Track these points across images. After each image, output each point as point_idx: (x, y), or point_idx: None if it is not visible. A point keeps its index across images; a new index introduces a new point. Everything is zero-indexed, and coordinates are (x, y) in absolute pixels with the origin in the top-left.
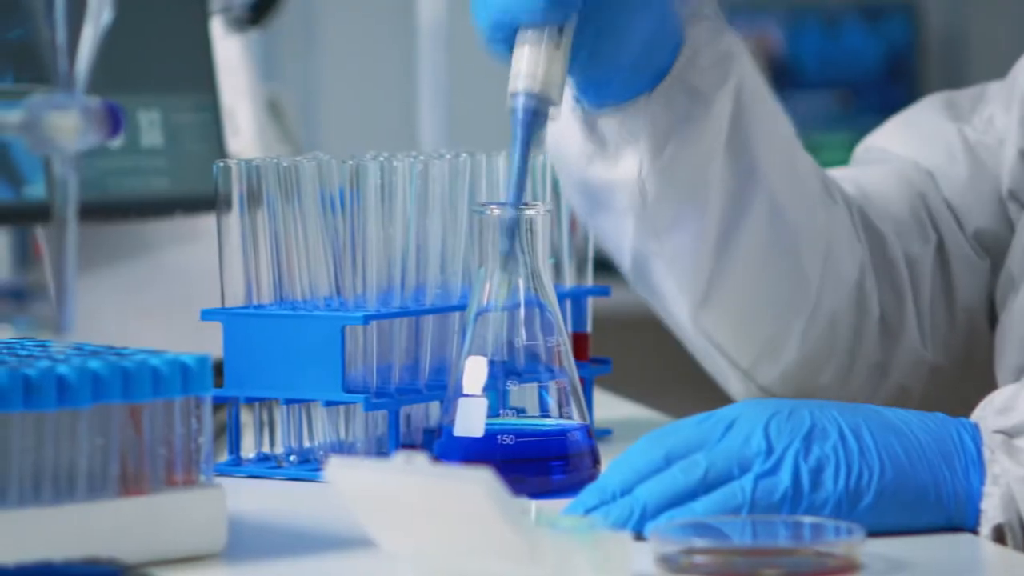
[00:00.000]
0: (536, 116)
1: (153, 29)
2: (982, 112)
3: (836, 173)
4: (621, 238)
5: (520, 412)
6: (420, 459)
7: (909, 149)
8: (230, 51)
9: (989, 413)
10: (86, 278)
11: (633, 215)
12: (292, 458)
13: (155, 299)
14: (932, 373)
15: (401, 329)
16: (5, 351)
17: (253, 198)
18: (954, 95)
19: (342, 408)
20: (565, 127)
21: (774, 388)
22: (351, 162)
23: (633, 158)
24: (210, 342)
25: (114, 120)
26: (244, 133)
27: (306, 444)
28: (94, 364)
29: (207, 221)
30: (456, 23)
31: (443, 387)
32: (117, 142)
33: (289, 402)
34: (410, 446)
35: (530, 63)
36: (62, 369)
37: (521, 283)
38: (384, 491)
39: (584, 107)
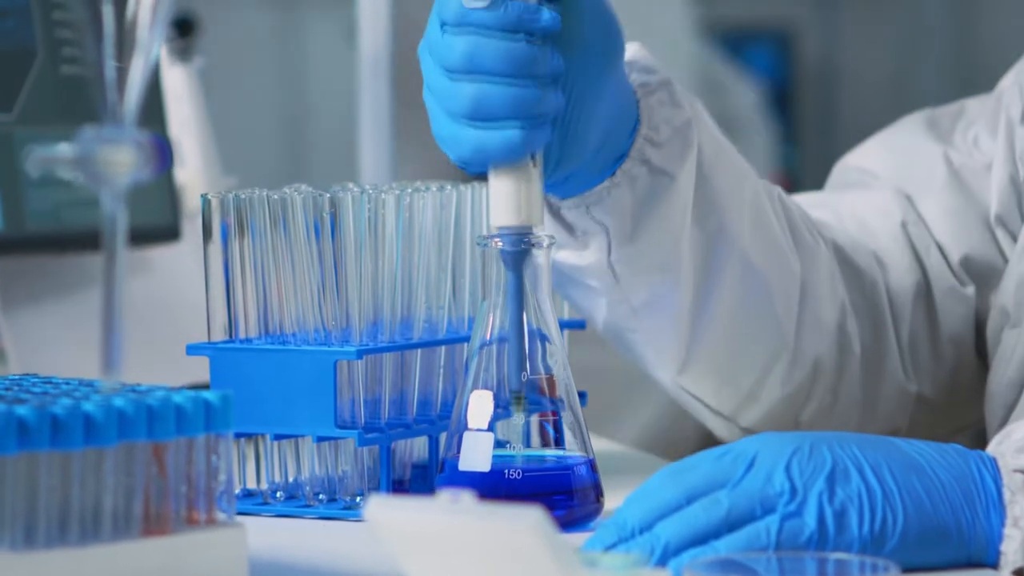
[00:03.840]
0: (524, 248)
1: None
2: (965, 133)
3: (813, 198)
4: (594, 313)
5: (524, 446)
6: (466, 497)
7: (891, 172)
8: (175, 81)
9: (1008, 450)
10: (34, 310)
11: (605, 296)
12: (279, 494)
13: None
14: (918, 403)
15: (389, 363)
16: (15, 388)
17: (239, 230)
18: (935, 113)
19: (330, 443)
20: None
21: (757, 428)
22: (340, 194)
23: (601, 244)
24: (163, 374)
25: (162, 153)
26: (190, 164)
27: (291, 479)
28: (119, 402)
29: (157, 253)
30: (399, 54)
31: (430, 421)
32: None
33: (278, 437)
34: (399, 481)
35: (510, 197)
36: (88, 407)
37: (524, 316)
38: (428, 530)
39: (548, 198)
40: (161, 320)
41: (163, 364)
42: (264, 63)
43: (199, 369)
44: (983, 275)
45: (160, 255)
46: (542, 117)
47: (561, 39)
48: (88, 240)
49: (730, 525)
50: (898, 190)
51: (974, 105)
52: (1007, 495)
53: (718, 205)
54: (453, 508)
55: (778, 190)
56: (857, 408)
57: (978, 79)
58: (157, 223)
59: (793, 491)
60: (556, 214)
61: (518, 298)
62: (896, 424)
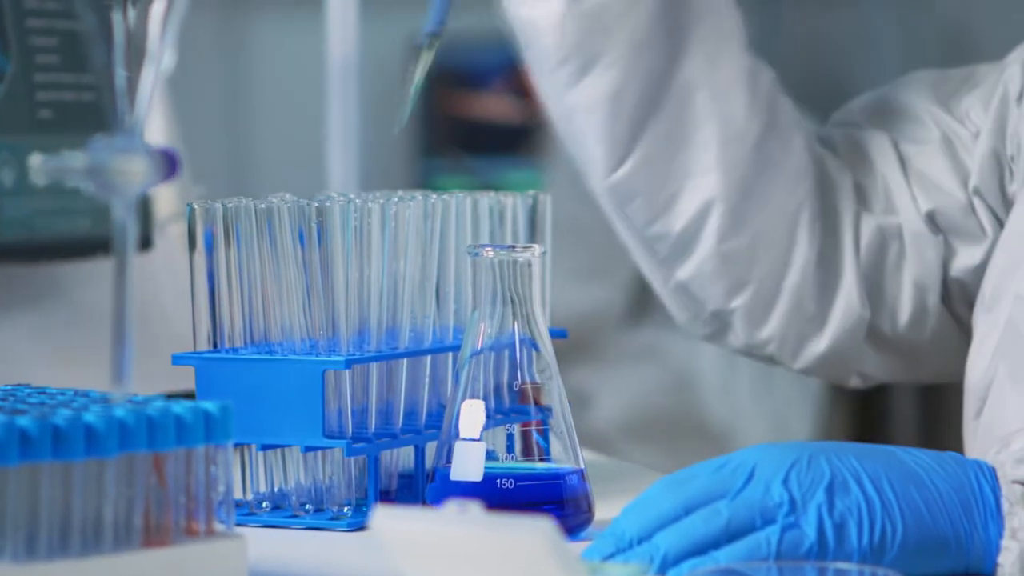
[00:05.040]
0: None
1: (73, 68)
2: (963, 100)
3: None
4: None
5: (512, 455)
6: (474, 508)
7: (883, 121)
8: None
9: (1007, 461)
10: (6, 319)
11: (554, 56)
12: (264, 504)
13: (72, 341)
14: (880, 342)
15: (376, 373)
16: (11, 399)
17: (226, 240)
18: (943, 74)
19: (316, 453)
20: None
21: (691, 286)
22: (327, 203)
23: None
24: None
25: (171, 162)
26: None
27: (276, 489)
28: (119, 412)
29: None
30: (367, 61)
31: (416, 430)
32: (43, 182)
33: (265, 447)
34: (385, 491)
35: None
36: (89, 418)
37: (516, 325)
38: (435, 540)
39: None
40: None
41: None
42: (209, 67)
43: (171, 378)
44: (952, 230)
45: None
46: None
47: None
48: (61, 249)
49: (730, 536)
50: (887, 136)
51: (983, 71)
52: (1005, 506)
53: (686, 19)
54: (461, 518)
55: (772, 75)
56: (809, 328)
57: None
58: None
59: (792, 502)
60: None
61: None
62: (847, 349)
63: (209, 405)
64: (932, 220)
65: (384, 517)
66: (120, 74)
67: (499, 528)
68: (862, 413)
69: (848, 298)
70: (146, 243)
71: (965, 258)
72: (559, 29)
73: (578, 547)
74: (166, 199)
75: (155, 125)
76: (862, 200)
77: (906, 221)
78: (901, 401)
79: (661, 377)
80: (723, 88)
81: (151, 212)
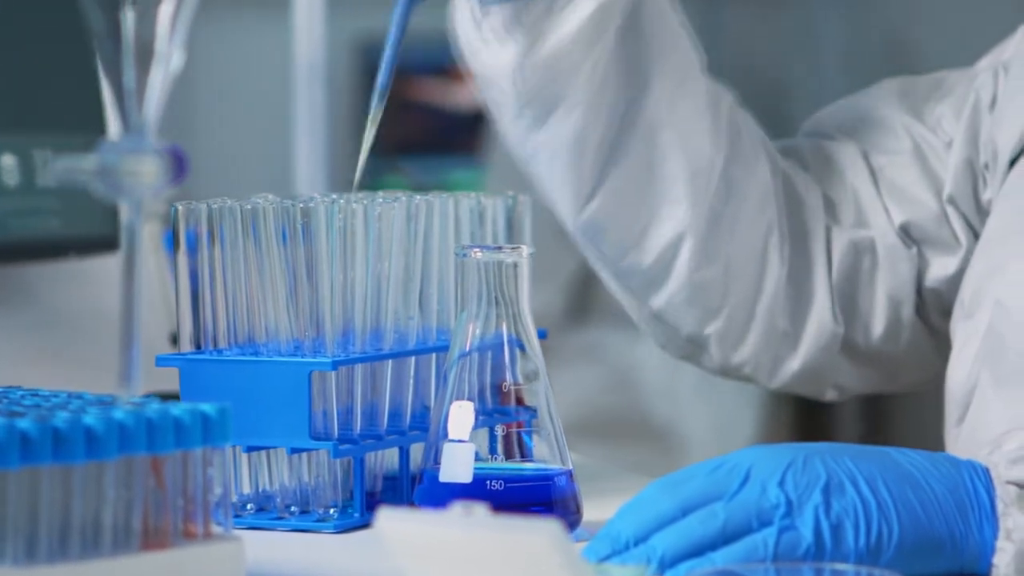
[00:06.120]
0: None
1: (43, 68)
2: (935, 108)
3: (784, 142)
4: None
5: (498, 455)
6: (479, 510)
7: (853, 131)
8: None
9: (1001, 461)
10: None
11: (514, 103)
12: (249, 506)
13: (42, 342)
14: (854, 356)
15: (360, 374)
16: (6, 401)
17: (210, 240)
18: (911, 80)
19: (301, 454)
20: (458, 18)
21: (665, 315)
22: (311, 204)
23: (513, 47)
24: (102, 386)
25: (179, 163)
26: None
27: (260, 490)
28: (119, 415)
29: (98, 263)
30: (335, 64)
31: (401, 432)
32: (14, 182)
33: (251, 449)
34: (371, 493)
35: None
36: (89, 420)
37: (504, 326)
38: (441, 542)
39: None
40: (99, 331)
41: (100, 375)
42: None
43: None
44: (926, 242)
45: (98, 265)
46: None
47: None
48: (31, 250)
49: (726, 537)
50: (857, 147)
51: (952, 79)
52: (1000, 507)
53: (645, 57)
54: (467, 520)
55: (731, 97)
56: (783, 345)
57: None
58: (95, 233)
59: (789, 504)
60: (480, 19)
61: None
62: (821, 365)
63: (207, 407)
64: (906, 232)
65: (388, 519)
66: (129, 74)
67: (505, 530)
68: (806, 412)
69: (821, 315)
70: (113, 244)
71: (939, 268)
72: (517, 76)
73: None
74: None
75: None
76: (832, 214)
77: (879, 235)
78: (846, 401)
79: (603, 376)
80: (686, 122)
81: (118, 214)
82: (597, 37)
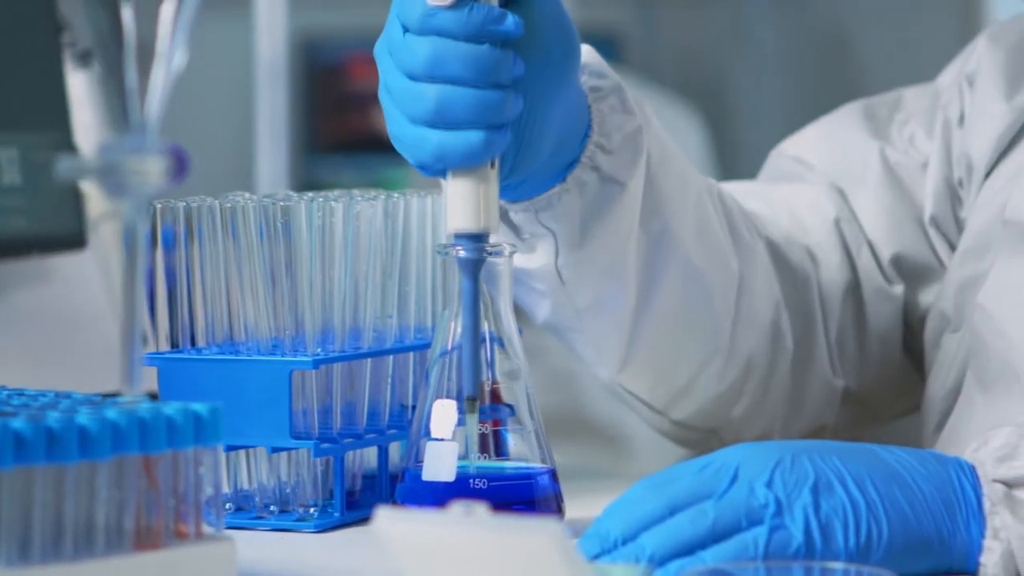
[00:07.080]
0: (483, 255)
1: (8, 66)
2: (902, 128)
3: (748, 187)
4: (536, 310)
5: (484, 455)
6: (480, 510)
7: (826, 164)
8: (76, 87)
9: (987, 459)
10: None
11: (550, 298)
12: (228, 505)
13: (8, 341)
14: (845, 399)
15: (339, 373)
16: None
17: (188, 238)
18: (871, 103)
19: (280, 453)
20: None
21: (688, 422)
22: (290, 203)
23: (548, 248)
24: (67, 384)
25: (180, 161)
26: None
27: (239, 489)
28: (111, 414)
29: (64, 261)
30: (296, 61)
31: (380, 431)
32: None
33: (231, 448)
34: (350, 492)
35: (468, 201)
36: (82, 420)
37: (485, 324)
38: (439, 543)
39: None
40: (64, 330)
41: (66, 373)
42: None
43: (103, 379)
44: (914, 273)
45: (64, 264)
46: (504, 122)
47: (521, 44)
48: None
49: (716, 536)
50: (832, 185)
51: (911, 97)
52: (987, 505)
53: (663, 209)
54: (467, 520)
55: (718, 187)
56: (785, 403)
57: (807, 82)
58: (62, 231)
59: (778, 504)
60: (504, 216)
61: (474, 306)
62: (823, 419)
63: (199, 407)
64: (895, 265)
65: (387, 519)
66: (131, 73)
67: (505, 530)
68: None
69: (822, 373)
70: (80, 243)
71: (926, 296)
72: (551, 276)
73: None
74: (97, 197)
75: (84, 123)
76: (816, 263)
77: (865, 279)
78: None
79: (541, 377)
80: (710, 257)
81: (84, 211)
82: (631, 225)
